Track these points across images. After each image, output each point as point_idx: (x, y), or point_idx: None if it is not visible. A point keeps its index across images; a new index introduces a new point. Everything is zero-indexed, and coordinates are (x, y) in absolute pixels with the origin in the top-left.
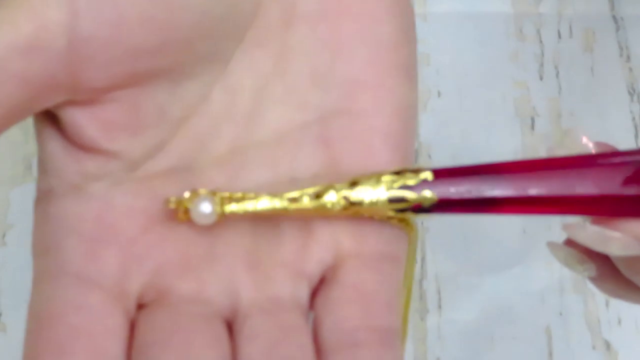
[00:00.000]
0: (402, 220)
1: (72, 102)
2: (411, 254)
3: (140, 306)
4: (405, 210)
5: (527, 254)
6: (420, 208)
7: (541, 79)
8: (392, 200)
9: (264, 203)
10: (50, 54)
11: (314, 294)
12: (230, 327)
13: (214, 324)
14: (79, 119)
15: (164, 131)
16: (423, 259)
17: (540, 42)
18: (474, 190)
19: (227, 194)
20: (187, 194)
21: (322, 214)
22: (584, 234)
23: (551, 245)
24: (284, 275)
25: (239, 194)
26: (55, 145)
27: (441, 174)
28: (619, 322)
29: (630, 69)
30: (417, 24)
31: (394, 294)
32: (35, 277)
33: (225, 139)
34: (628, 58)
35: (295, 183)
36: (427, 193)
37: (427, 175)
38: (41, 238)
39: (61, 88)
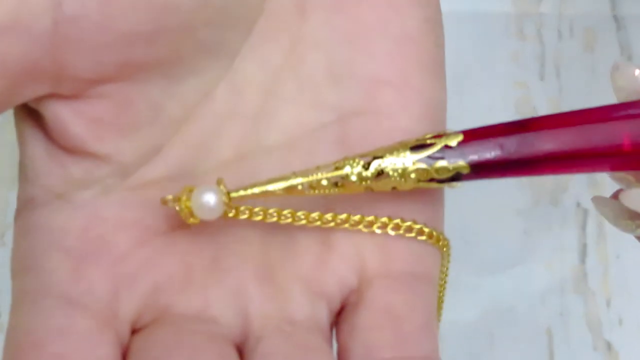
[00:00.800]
0: (431, 237)
1: (56, 96)
2: (444, 272)
3: (135, 331)
4: (435, 180)
5: (527, 254)
6: (451, 175)
7: (542, 79)
8: (419, 169)
9: (277, 184)
10: (33, 36)
11: (337, 318)
12: (241, 352)
13: (221, 343)
14: (63, 114)
15: (160, 132)
16: None
17: (541, 42)
18: (511, 150)
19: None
20: (185, 190)
21: (343, 191)
22: None
23: (597, 200)
24: (300, 291)
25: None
26: (37, 147)
27: (472, 135)
28: (620, 322)
29: None
30: None
31: (430, 318)
32: (14, 298)
33: (230, 142)
34: (629, 58)
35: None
36: (459, 158)
37: (457, 137)
38: (21, 254)
39: (44, 76)
